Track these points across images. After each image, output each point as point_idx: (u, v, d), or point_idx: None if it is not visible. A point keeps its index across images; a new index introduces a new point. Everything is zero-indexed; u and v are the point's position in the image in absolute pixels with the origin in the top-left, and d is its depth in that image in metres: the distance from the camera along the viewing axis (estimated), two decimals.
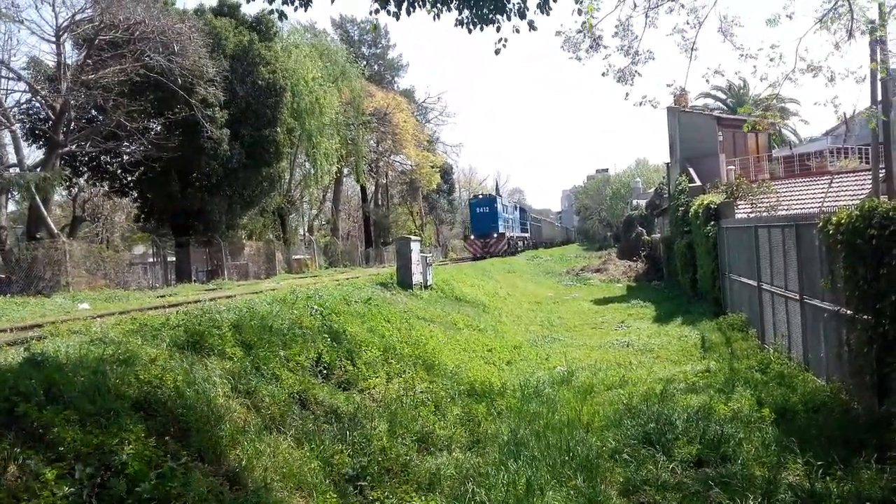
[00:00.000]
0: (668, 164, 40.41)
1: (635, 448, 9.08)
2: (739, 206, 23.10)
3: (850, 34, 12.13)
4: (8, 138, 27.18)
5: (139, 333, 9.14)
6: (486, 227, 52.28)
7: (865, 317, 8.95)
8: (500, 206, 54.39)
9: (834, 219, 9.77)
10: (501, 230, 52.85)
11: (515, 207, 67.89)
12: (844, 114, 20.92)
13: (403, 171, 65.15)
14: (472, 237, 53.48)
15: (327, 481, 7.52)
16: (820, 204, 23.38)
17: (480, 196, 58.96)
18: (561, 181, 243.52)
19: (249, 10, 36.92)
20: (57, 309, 15.28)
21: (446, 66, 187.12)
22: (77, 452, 5.72)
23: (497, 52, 8.48)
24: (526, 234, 71.14)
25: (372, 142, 57.49)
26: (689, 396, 11.60)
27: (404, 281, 20.19)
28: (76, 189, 35.05)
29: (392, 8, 7.93)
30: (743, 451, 8.56)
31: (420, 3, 7.87)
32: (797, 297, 12.40)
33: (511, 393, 12.71)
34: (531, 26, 8.23)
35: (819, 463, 7.63)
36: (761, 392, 11.13)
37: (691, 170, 30.50)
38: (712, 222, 21.35)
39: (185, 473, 6.13)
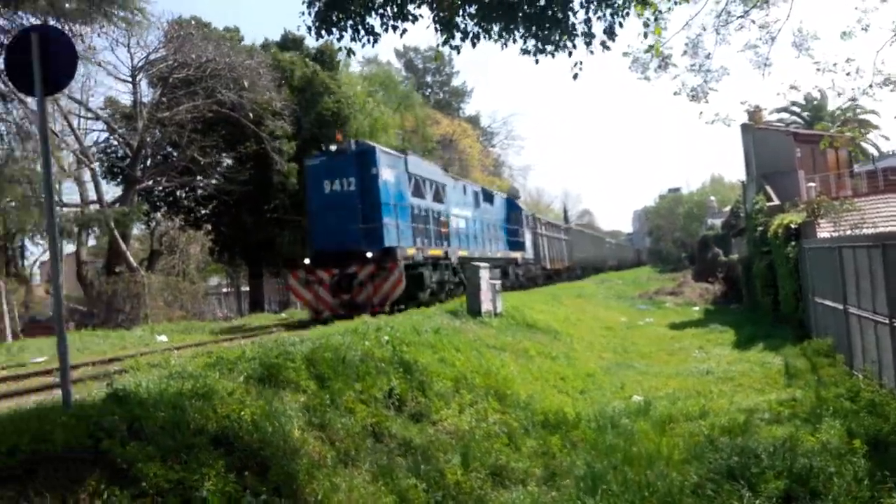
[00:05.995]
0: (743, 182, 39.40)
1: (718, 483, 8.66)
2: (821, 225, 22.27)
3: None
4: (88, 176, 28.48)
5: (216, 367, 9.22)
6: (337, 232, 17.98)
7: None
8: (384, 174, 18.68)
9: None
10: (389, 243, 18.11)
11: (479, 195, 28.65)
12: None
13: None
14: (308, 262, 18.06)
15: None
16: None
17: (333, 149, 18.84)
18: (632, 201, 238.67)
19: (312, 42, 37.73)
20: (136, 341, 15.76)
21: (512, 89, 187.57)
22: (159, 488, 5.79)
23: (575, 76, 8.34)
24: (519, 254, 32.94)
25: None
26: (774, 427, 11.09)
27: (473, 308, 20.02)
28: (154, 223, 36.25)
29: (456, 42, 7.92)
30: (834, 485, 8.08)
31: (485, 35, 7.85)
32: (887, 321, 11.79)
33: (585, 424, 12.36)
34: (604, 46, 8.09)
35: None
36: (851, 422, 10.54)
37: (768, 188, 29.56)
38: (793, 242, 20.62)
39: None
